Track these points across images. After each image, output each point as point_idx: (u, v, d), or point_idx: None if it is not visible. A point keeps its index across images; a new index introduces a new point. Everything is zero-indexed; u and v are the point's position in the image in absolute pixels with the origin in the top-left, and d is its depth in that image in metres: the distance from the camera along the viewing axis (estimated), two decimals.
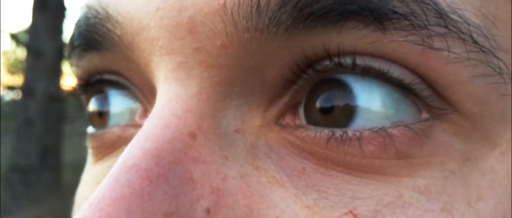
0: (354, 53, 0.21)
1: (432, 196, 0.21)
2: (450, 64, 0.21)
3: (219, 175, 0.22)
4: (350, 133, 0.21)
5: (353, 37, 0.21)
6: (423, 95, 0.21)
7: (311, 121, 0.22)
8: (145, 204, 0.20)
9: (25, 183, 4.28)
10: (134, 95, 0.28)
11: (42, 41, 4.42)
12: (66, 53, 0.31)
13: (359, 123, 0.22)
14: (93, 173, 0.29)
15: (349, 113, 0.22)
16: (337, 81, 0.22)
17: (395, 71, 0.21)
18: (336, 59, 0.22)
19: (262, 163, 0.22)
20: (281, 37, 0.22)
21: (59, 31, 4.61)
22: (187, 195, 0.21)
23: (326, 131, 0.22)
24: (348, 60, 0.22)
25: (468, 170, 0.22)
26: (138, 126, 0.27)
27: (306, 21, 0.21)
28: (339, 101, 0.22)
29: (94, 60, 0.28)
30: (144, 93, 0.27)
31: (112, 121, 0.29)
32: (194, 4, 0.22)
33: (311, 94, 0.23)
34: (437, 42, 0.21)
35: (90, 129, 0.30)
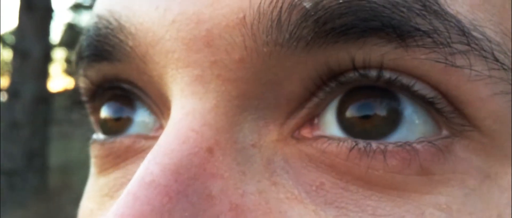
0: (379, 67, 0.21)
1: (453, 214, 0.21)
2: (471, 82, 0.21)
3: (237, 191, 0.21)
4: (374, 145, 0.21)
5: (375, 54, 0.21)
6: (445, 112, 0.21)
7: (346, 128, 0.22)
8: None
9: (11, 186, 4.23)
10: (148, 106, 0.27)
11: (28, 42, 4.38)
12: (74, 64, 0.30)
13: (402, 134, 0.22)
14: (98, 185, 0.28)
15: (392, 121, 0.22)
16: (373, 90, 0.22)
17: (419, 86, 0.21)
18: (361, 71, 0.21)
19: (280, 179, 0.22)
20: (301, 52, 0.21)
21: (46, 32, 4.57)
22: (207, 212, 0.21)
23: (349, 141, 0.21)
24: (373, 73, 0.21)
25: (487, 188, 0.22)
26: (149, 138, 0.27)
27: (328, 37, 0.21)
28: (375, 110, 0.22)
29: (104, 70, 0.27)
30: (157, 105, 0.26)
31: (134, 128, 0.28)
32: (212, 17, 0.22)
33: (341, 104, 0.22)
34: (459, 60, 0.21)
35: (98, 136, 0.29)
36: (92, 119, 0.31)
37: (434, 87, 0.21)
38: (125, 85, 0.27)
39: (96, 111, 0.30)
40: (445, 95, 0.21)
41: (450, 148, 0.21)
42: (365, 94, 0.22)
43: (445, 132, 0.22)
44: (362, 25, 0.20)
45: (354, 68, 0.21)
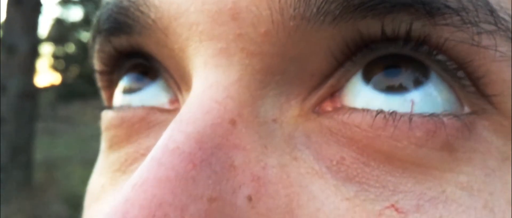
0: (407, 35, 0.21)
1: (474, 193, 0.21)
2: (495, 63, 0.21)
3: (259, 163, 0.22)
4: (398, 114, 0.21)
5: (401, 30, 0.21)
6: (467, 88, 0.21)
7: (371, 81, 0.22)
8: (189, 188, 0.20)
9: None
10: (165, 80, 0.27)
11: (16, 37, 4.34)
12: (90, 38, 0.30)
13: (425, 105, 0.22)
14: (109, 160, 0.28)
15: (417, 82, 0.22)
16: (403, 58, 0.22)
17: (444, 58, 0.21)
18: (390, 35, 0.21)
19: (301, 154, 0.22)
20: (327, 27, 0.21)
21: (33, 27, 4.53)
22: (229, 181, 0.21)
23: (373, 110, 0.21)
24: (401, 35, 0.21)
25: (507, 169, 0.22)
26: (164, 112, 0.27)
27: (356, 12, 0.21)
28: (404, 80, 0.22)
29: (122, 44, 0.27)
30: (174, 79, 0.26)
31: (144, 99, 0.28)
32: None
33: (372, 64, 0.22)
34: (485, 40, 0.21)
35: (114, 102, 0.29)
36: (104, 95, 0.31)
37: (459, 66, 0.21)
38: (142, 60, 0.27)
39: (112, 84, 0.30)
40: (468, 74, 0.21)
41: (472, 126, 0.21)
42: (390, 62, 0.22)
43: (467, 109, 0.22)
44: (392, 0, 0.20)
45: (382, 33, 0.21)
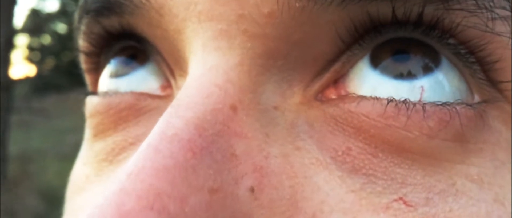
0: (419, 17, 0.20)
1: (485, 186, 0.20)
2: (507, 50, 0.20)
3: (261, 152, 0.20)
4: (411, 103, 0.20)
5: (413, 14, 0.20)
6: (479, 75, 0.21)
7: (381, 67, 0.21)
8: (189, 177, 0.18)
9: None
10: (156, 64, 0.26)
11: None
12: (77, 18, 0.28)
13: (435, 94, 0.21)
14: (94, 150, 0.26)
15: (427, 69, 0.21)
16: (409, 45, 0.21)
17: (455, 41, 0.21)
18: (400, 17, 0.20)
19: (303, 143, 0.21)
20: (334, 9, 0.20)
21: (8, 17, 4.44)
22: (231, 171, 0.20)
23: (384, 99, 0.20)
24: (412, 18, 0.20)
25: None
26: (156, 98, 0.25)
27: None
28: (413, 66, 0.21)
29: (112, 25, 0.25)
30: (167, 63, 0.25)
31: (133, 84, 0.26)
32: None
33: (380, 47, 0.21)
34: (499, 26, 0.20)
35: (99, 87, 0.28)
36: (89, 79, 0.29)
37: (470, 52, 0.21)
38: (133, 41, 0.26)
39: (98, 67, 0.28)
40: (479, 60, 0.21)
41: (483, 115, 0.21)
42: (399, 46, 0.21)
43: (477, 98, 0.21)
44: None
45: (393, 16, 0.20)
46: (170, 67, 0.25)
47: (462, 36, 0.20)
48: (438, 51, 0.21)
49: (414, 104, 0.20)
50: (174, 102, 0.21)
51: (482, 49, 0.20)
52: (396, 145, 0.20)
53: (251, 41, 0.21)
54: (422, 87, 0.21)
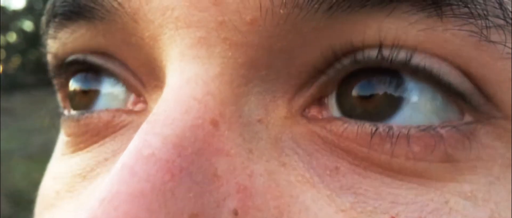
0: (400, 46, 0.19)
1: (479, 203, 0.20)
2: (502, 60, 0.19)
3: (245, 170, 0.19)
4: (396, 129, 0.19)
5: (403, 23, 0.19)
6: (470, 98, 0.20)
7: (346, 111, 0.20)
8: (168, 203, 0.17)
9: None
10: (124, 81, 0.24)
11: None
12: (44, 22, 0.26)
13: (404, 116, 0.20)
14: (67, 164, 0.25)
15: (392, 103, 0.20)
16: (379, 69, 0.20)
17: (444, 71, 0.20)
18: (380, 52, 0.20)
19: (289, 159, 0.20)
20: (321, 17, 0.19)
21: None
22: (213, 193, 0.18)
23: (368, 125, 0.19)
24: (392, 53, 0.19)
25: (511, 177, 0.20)
26: (132, 113, 0.24)
27: (354, 0, 0.19)
28: (381, 90, 0.20)
29: (79, 31, 0.24)
30: (140, 75, 0.23)
31: (102, 102, 0.25)
32: None
33: (346, 82, 0.20)
34: (494, 35, 0.19)
35: (70, 112, 0.26)
36: (59, 95, 0.28)
37: (463, 66, 0.20)
38: (98, 60, 0.25)
39: (64, 84, 0.27)
40: (472, 75, 0.20)
41: (474, 134, 0.20)
42: (371, 74, 0.20)
43: (468, 118, 0.20)
44: None
45: (380, 45, 0.19)
46: (141, 79, 0.23)
47: (455, 48, 0.19)
48: (423, 69, 0.20)
49: (399, 131, 0.19)
50: (151, 117, 0.19)
51: (476, 60, 0.19)
52: (385, 167, 0.20)
53: (232, 50, 0.20)
54: (409, 104, 0.20)
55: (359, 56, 0.20)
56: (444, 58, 0.20)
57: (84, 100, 0.26)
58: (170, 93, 0.20)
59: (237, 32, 0.20)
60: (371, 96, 0.20)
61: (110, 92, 0.25)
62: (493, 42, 0.19)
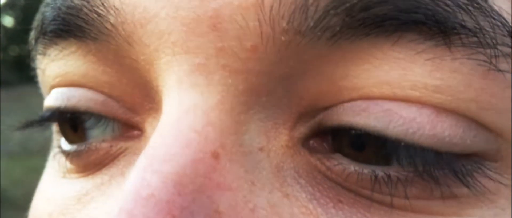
0: (398, 99, 0.19)
1: None
2: (507, 89, 0.19)
3: (247, 205, 0.19)
4: (392, 175, 0.19)
5: (410, 52, 0.18)
6: (476, 149, 0.19)
7: (339, 150, 0.20)
8: None
9: None
10: (113, 118, 0.23)
11: None
12: (33, 38, 0.26)
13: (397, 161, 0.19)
14: (62, 188, 0.24)
15: (383, 152, 0.19)
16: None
17: (444, 143, 0.19)
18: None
19: (291, 190, 0.19)
20: (323, 44, 0.19)
21: None
22: None
23: (367, 171, 0.19)
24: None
25: None
26: (128, 139, 0.23)
27: (359, 28, 0.18)
28: (372, 139, 0.19)
29: (69, 49, 0.23)
30: (132, 97, 0.22)
31: (93, 131, 0.24)
32: None
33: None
34: (502, 64, 0.19)
35: (67, 146, 0.25)
36: (55, 128, 0.27)
37: (470, 100, 0.19)
38: (74, 102, 0.24)
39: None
40: (479, 116, 0.19)
41: (476, 172, 0.19)
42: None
43: (471, 158, 0.19)
44: (403, 16, 0.18)
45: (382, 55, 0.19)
46: (134, 101, 0.23)
47: (462, 78, 0.19)
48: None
49: (395, 177, 0.19)
50: (148, 151, 0.19)
51: (484, 91, 0.19)
52: (388, 205, 0.19)
53: (232, 77, 0.19)
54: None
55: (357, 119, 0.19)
56: (450, 111, 0.19)
57: (75, 134, 0.25)
58: (168, 124, 0.19)
59: (237, 58, 0.19)
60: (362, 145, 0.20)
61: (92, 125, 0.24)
62: (502, 71, 0.19)
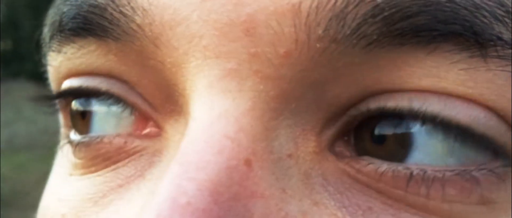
0: (435, 92, 0.19)
1: None
2: None
3: (279, 213, 0.18)
4: (430, 173, 0.19)
5: (445, 61, 0.18)
6: (505, 143, 0.19)
7: (361, 151, 0.20)
8: None
9: None
10: (131, 104, 0.23)
11: None
12: (47, 35, 0.25)
13: (417, 157, 0.19)
14: (79, 188, 0.24)
15: (405, 144, 0.19)
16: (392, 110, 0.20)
17: (479, 124, 0.19)
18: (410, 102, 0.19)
19: (320, 197, 0.19)
20: (358, 52, 0.18)
21: None
22: None
23: (402, 168, 0.19)
24: (421, 107, 0.19)
25: None
26: (145, 138, 0.22)
27: (395, 37, 0.18)
28: (392, 131, 0.19)
29: (88, 48, 0.22)
30: (152, 98, 0.22)
31: (96, 124, 0.24)
32: (256, 0, 0.19)
33: (364, 122, 0.20)
34: None
35: (75, 136, 0.25)
36: (62, 113, 0.27)
37: (500, 108, 0.19)
38: (92, 81, 0.23)
39: (65, 105, 0.26)
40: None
41: (510, 176, 0.19)
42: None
43: (503, 161, 0.19)
44: (441, 27, 0.18)
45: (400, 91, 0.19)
46: (153, 102, 0.22)
47: (496, 89, 0.19)
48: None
49: (433, 175, 0.19)
50: (181, 158, 0.18)
51: None
52: (420, 208, 0.19)
53: (264, 83, 0.19)
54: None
55: (391, 104, 0.19)
56: (482, 104, 0.19)
57: (83, 122, 0.25)
58: (199, 130, 0.19)
59: (270, 64, 0.19)
60: (383, 138, 0.20)
61: (104, 111, 0.24)
62: None
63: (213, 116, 0.19)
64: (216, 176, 0.18)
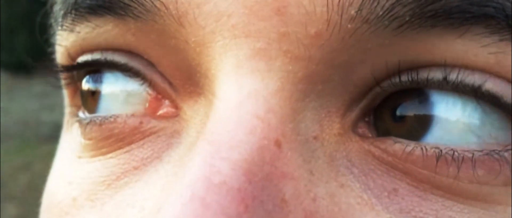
0: (462, 66, 0.19)
1: None
2: None
3: (309, 194, 0.18)
4: (460, 152, 0.19)
5: (475, 44, 0.18)
6: None
7: (380, 131, 0.20)
8: None
9: None
10: (149, 82, 0.22)
11: None
12: (58, 12, 0.24)
13: (436, 135, 0.19)
14: (90, 170, 0.23)
15: (424, 123, 0.19)
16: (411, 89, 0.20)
17: (507, 96, 0.19)
18: (446, 73, 0.19)
19: (346, 179, 0.19)
20: (388, 33, 0.18)
21: None
22: None
23: (430, 147, 0.19)
24: (452, 76, 0.19)
25: None
26: (162, 119, 0.22)
27: (427, 19, 0.18)
28: (412, 111, 0.19)
29: (104, 27, 0.22)
30: (171, 78, 0.22)
31: (104, 103, 0.23)
32: None
33: (385, 101, 0.20)
34: None
35: (85, 115, 0.24)
36: (67, 91, 0.26)
37: None
38: (119, 58, 0.23)
39: (74, 82, 0.25)
40: None
41: None
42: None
43: None
44: (474, 9, 0.18)
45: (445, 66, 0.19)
46: (173, 82, 0.22)
47: None
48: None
49: (463, 156, 0.19)
50: (212, 136, 0.18)
51: None
52: (446, 189, 0.19)
53: (293, 63, 0.19)
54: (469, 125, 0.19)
55: (423, 74, 0.19)
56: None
57: (92, 100, 0.24)
58: (229, 110, 0.19)
59: (299, 45, 0.18)
60: (402, 117, 0.20)
61: (112, 92, 0.23)
62: None
63: (242, 96, 0.19)
64: (249, 155, 0.18)
